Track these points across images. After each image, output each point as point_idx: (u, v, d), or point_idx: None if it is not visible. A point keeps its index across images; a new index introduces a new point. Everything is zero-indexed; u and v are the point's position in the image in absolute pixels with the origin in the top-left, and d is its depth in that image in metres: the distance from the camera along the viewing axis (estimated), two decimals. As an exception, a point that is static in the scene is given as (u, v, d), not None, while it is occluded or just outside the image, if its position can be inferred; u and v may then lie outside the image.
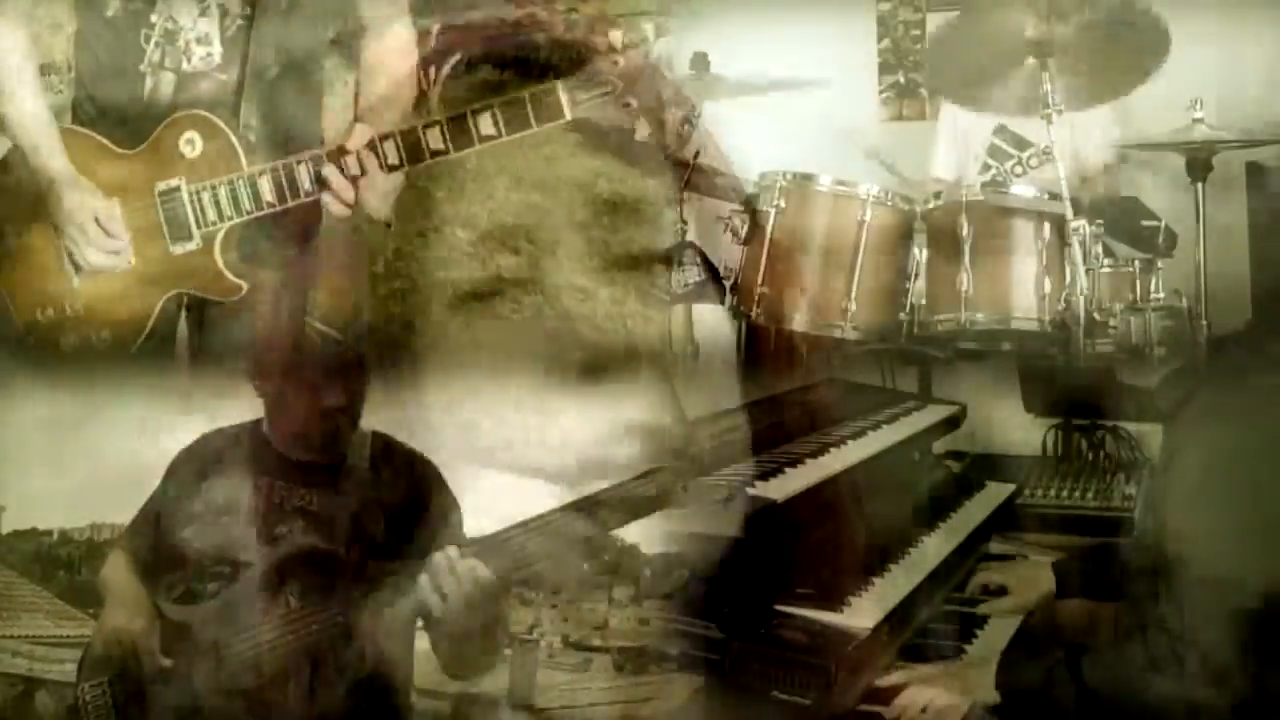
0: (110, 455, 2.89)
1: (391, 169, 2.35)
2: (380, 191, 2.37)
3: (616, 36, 2.19)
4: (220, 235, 2.44)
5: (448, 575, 2.12)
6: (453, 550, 2.14)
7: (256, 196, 2.40)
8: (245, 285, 2.47)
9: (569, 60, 2.28)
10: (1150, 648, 2.10)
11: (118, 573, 2.44)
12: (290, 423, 2.37)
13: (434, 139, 2.31)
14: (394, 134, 2.32)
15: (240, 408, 2.44)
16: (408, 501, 2.36)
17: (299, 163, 2.37)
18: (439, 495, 2.40)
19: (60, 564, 3.17)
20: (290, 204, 2.39)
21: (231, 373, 2.49)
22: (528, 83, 2.29)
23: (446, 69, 3.60)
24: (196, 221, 2.44)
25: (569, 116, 2.24)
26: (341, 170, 2.34)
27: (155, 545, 2.40)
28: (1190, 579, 2.08)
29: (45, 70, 2.75)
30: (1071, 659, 2.15)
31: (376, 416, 2.42)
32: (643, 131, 2.22)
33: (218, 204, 2.42)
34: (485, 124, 2.28)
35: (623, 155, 3.47)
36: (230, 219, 2.42)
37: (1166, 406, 2.30)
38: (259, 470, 2.36)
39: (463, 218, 3.23)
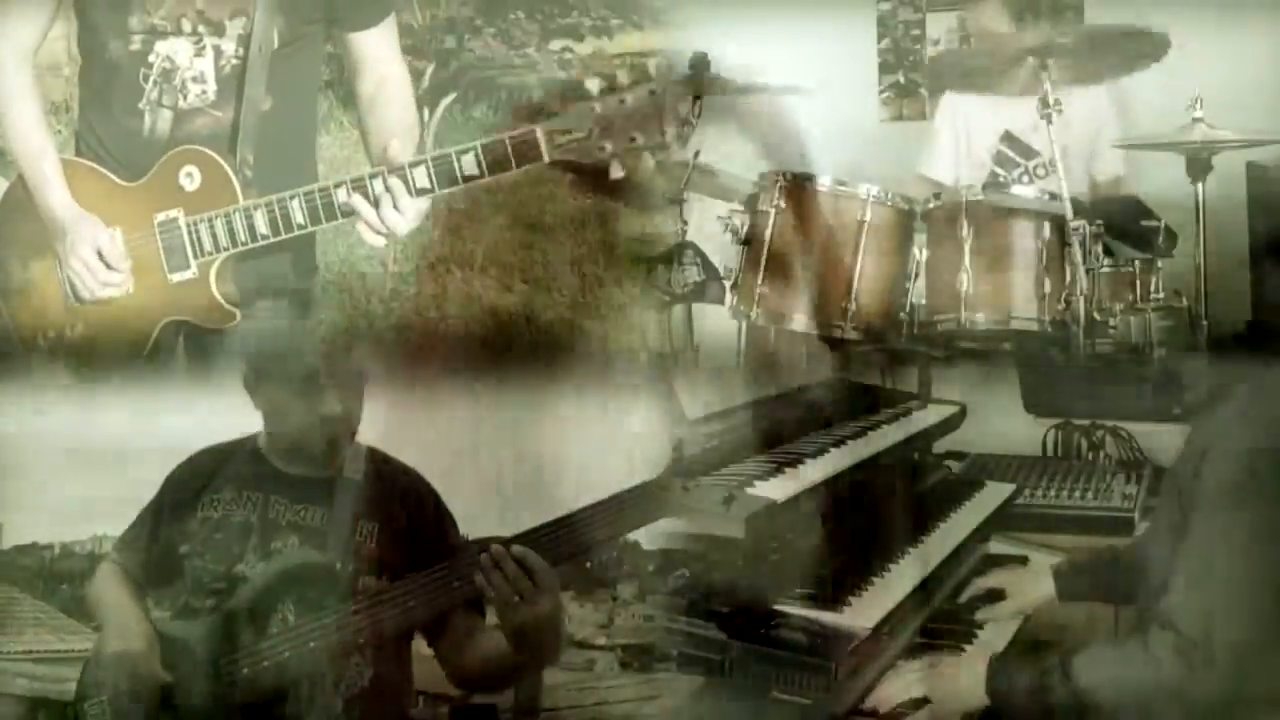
0: (111, 467, 2.90)
1: (379, 203, 2.40)
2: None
3: (593, 84, 2.23)
4: (216, 265, 2.51)
5: (509, 564, 2.09)
6: (499, 546, 2.12)
7: (251, 229, 2.46)
8: (239, 314, 2.53)
9: (560, 100, 2.34)
10: (1153, 647, 2.10)
11: (110, 587, 2.43)
12: (287, 434, 2.36)
13: (420, 177, 2.37)
14: (380, 173, 2.34)
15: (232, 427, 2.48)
16: (403, 516, 2.35)
17: (292, 197, 2.43)
18: (434, 509, 2.40)
19: (62, 578, 3.17)
20: (284, 236, 2.45)
21: (227, 395, 2.53)
22: (519, 124, 2.34)
23: (440, 110, 3.64)
24: (194, 252, 2.50)
25: (547, 159, 2.31)
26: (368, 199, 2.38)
27: (150, 560, 2.40)
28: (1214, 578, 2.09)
29: (47, 110, 2.83)
30: (1065, 662, 2.15)
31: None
32: (616, 173, 2.27)
33: (214, 235, 2.48)
34: (468, 164, 2.34)
35: (615, 193, 3.50)
36: (226, 249, 2.49)
37: (1193, 402, 2.29)
38: (255, 485, 2.36)
39: (458, 256, 3.27)
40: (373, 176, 2.38)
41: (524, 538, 2.12)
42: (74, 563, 3.15)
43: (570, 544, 2.14)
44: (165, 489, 2.44)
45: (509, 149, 2.31)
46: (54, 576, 3.18)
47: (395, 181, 2.36)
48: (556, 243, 3.61)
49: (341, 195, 2.39)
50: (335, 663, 2.24)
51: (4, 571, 3.17)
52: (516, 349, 3.44)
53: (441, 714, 2.70)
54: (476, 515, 2.49)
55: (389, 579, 2.26)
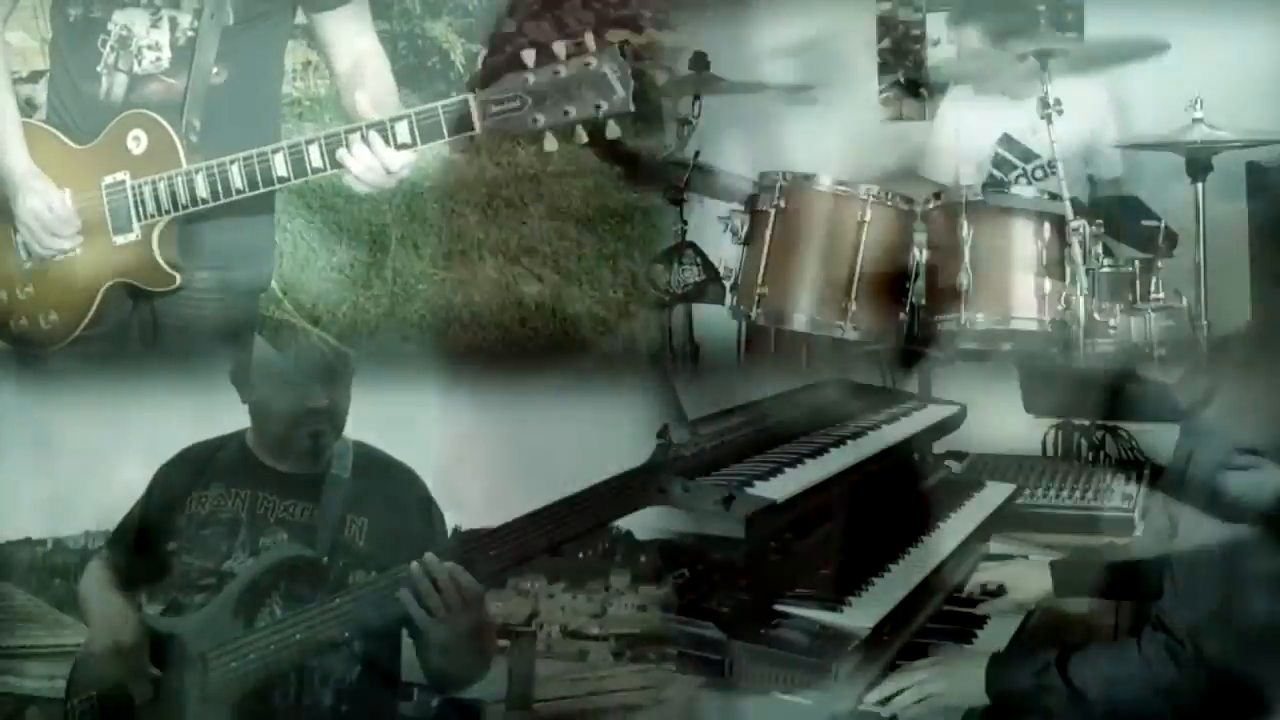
0: (94, 459, 2.90)
1: (315, 171, 2.44)
2: None
3: (529, 55, 2.24)
4: (158, 229, 2.54)
5: (426, 583, 2.11)
6: (430, 557, 2.13)
7: (192, 193, 2.50)
8: (179, 277, 2.57)
9: (497, 70, 2.37)
10: (1144, 647, 2.10)
11: (98, 585, 2.43)
12: (273, 429, 2.36)
13: (401, 132, 2.39)
14: (318, 138, 2.41)
15: (195, 402, 2.51)
16: (391, 511, 2.35)
17: (232, 162, 2.46)
18: (422, 504, 2.39)
19: (56, 572, 3.17)
20: (223, 200, 2.49)
21: (186, 365, 2.61)
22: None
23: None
24: (137, 214, 2.55)
25: (478, 129, 2.32)
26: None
27: (139, 557, 2.40)
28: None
29: (36, 77, 2.95)
30: (1061, 661, 2.15)
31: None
32: (549, 145, 2.29)
33: (157, 198, 2.53)
34: (402, 132, 2.37)
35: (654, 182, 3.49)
36: (168, 213, 2.53)
37: (1186, 403, 2.30)
38: (243, 481, 2.36)
39: (492, 243, 3.26)
40: (349, 132, 2.41)
41: (506, 529, 2.13)
42: (67, 557, 3.15)
43: (551, 534, 2.14)
44: (153, 485, 2.44)
45: (441, 117, 2.34)
46: (48, 571, 3.18)
47: (374, 135, 2.39)
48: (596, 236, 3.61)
49: (314, 153, 2.42)
50: (323, 657, 2.24)
51: (-3, 568, 3.18)
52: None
53: (431, 708, 2.70)
54: (474, 506, 2.49)
55: (376, 574, 2.26)
